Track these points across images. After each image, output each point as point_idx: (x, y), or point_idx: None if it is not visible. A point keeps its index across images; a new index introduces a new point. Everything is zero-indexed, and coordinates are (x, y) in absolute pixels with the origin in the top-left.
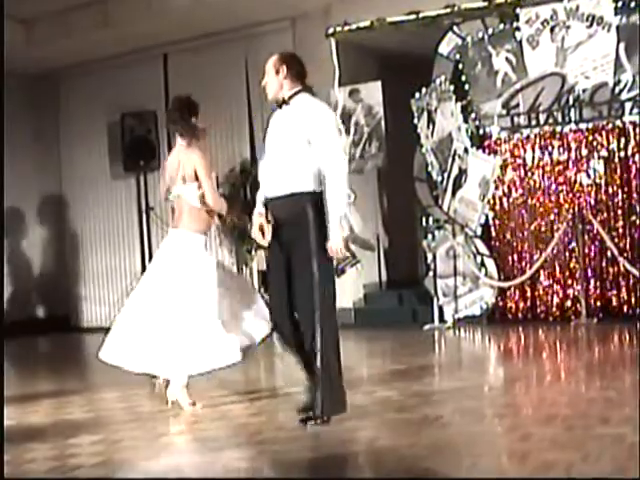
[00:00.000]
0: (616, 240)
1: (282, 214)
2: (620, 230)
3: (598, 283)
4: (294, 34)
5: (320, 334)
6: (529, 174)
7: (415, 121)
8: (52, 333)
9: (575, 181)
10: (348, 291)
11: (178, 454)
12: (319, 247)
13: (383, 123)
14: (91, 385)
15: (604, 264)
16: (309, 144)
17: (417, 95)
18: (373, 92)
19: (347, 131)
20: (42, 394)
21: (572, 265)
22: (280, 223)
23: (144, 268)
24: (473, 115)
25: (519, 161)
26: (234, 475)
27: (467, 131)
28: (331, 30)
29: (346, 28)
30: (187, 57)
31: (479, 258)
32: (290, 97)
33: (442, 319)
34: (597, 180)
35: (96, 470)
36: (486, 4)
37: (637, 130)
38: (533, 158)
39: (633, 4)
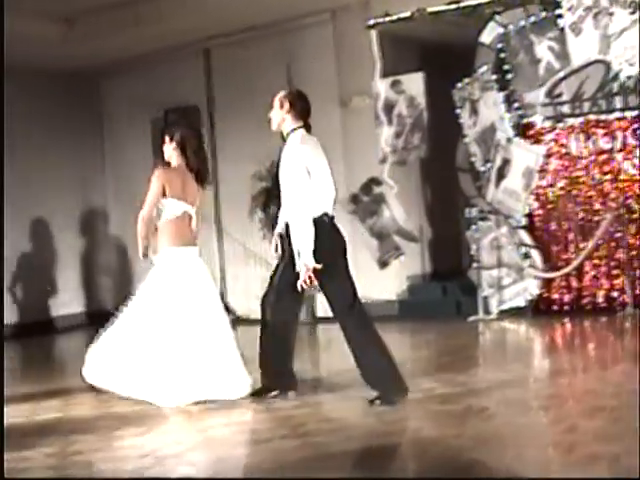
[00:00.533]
0: None
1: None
2: None
3: None
4: (335, 27)
5: None
6: (573, 163)
7: (457, 111)
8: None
9: (620, 170)
10: (391, 283)
11: (223, 446)
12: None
13: (425, 114)
14: None
15: None
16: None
17: (459, 85)
18: (415, 83)
19: (389, 122)
20: (91, 388)
21: (618, 255)
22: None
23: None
24: (516, 104)
25: (563, 150)
26: (281, 467)
27: (510, 121)
28: (372, 22)
29: (387, 19)
30: (229, 52)
31: (523, 249)
32: (288, 134)
33: (486, 311)
34: None
35: (142, 461)
36: None
37: None
38: (577, 147)
39: None
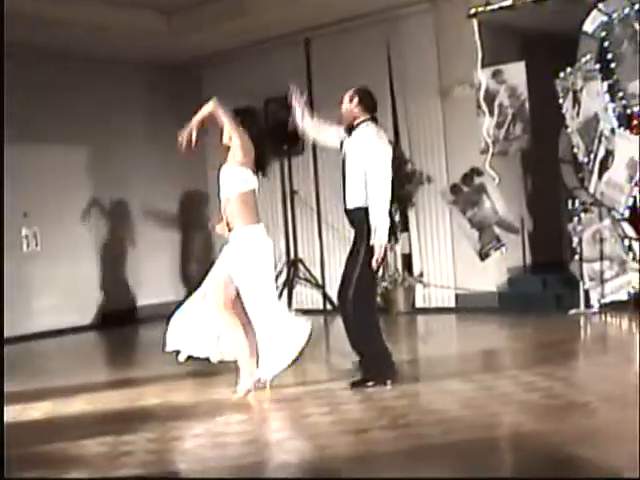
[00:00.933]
0: None
1: (352, 222)
2: None
3: None
4: (435, 16)
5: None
6: None
7: (560, 101)
8: None
9: None
10: (492, 274)
11: (322, 435)
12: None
13: (527, 104)
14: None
15: None
16: (363, 169)
17: (562, 75)
18: (517, 73)
19: (491, 113)
20: (189, 374)
21: None
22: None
23: (288, 251)
24: (620, 94)
25: None
26: (378, 458)
27: (614, 111)
28: (473, 11)
29: (488, 8)
30: (328, 42)
31: (626, 242)
32: (358, 124)
33: (588, 304)
34: None
35: (244, 448)
36: None
37: None
38: None
39: None
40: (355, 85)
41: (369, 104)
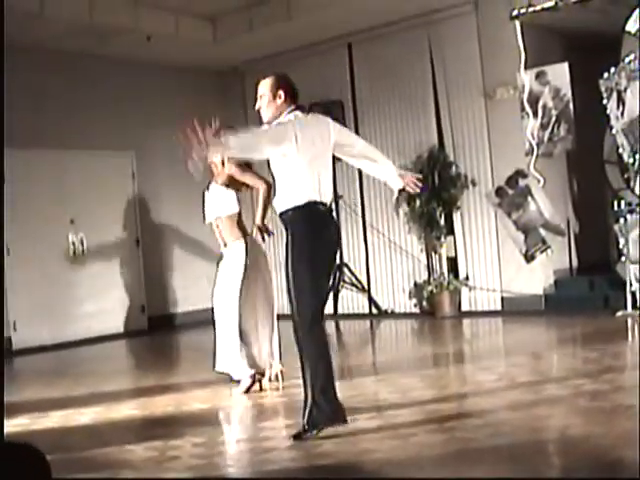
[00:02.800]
0: None
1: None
2: None
3: None
4: (477, 18)
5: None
6: None
7: (604, 102)
8: None
9: None
10: (538, 277)
11: (367, 439)
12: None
13: (571, 105)
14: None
15: None
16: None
17: (605, 75)
18: (560, 74)
19: (535, 114)
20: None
21: None
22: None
23: (335, 254)
24: None
25: None
26: (424, 461)
27: None
28: (515, 12)
29: (530, 9)
30: (371, 45)
31: None
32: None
33: (635, 306)
34: None
35: (289, 453)
36: None
37: None
38: None
39: None
40: (399, 89)
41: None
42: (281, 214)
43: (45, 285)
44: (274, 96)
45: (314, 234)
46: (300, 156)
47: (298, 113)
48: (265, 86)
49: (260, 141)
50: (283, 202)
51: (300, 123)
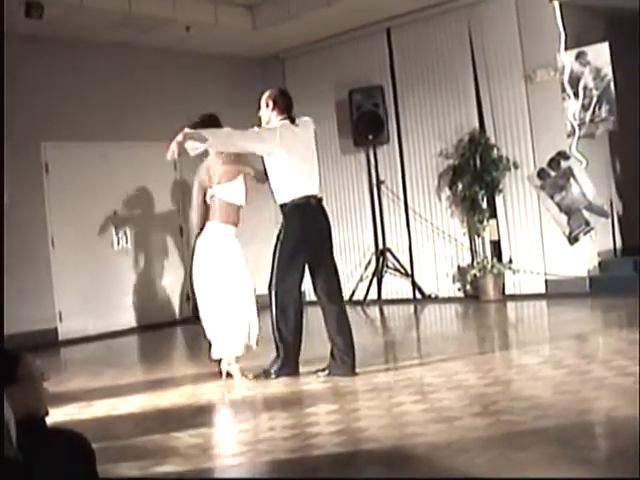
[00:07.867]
0: None
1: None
2: None
3: None
4: None
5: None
6: None
7: None
8: None
9: None
10: (582, 259)
11: (412, 423)
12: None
13: (612, 85)
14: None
15: None
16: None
17: None
18: (600, 54)
19: (576, 95)
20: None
21: None
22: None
23: (377, 241)
24: None
25: None
26: (470, 445)
27: None
28: None
29: None
30: (410, 30)
31: None
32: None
33: None
34: None
35: (333, 438)
36: None
37: None
38: None
39: None
40: (439, 73)
41: (286, 105)
42: (280, 206)
43: (90, 276)
44: (266, 105)
45: (305, 222)
46: (289, 155)
47: (286, 122)
48: (262, 97)
49: (247, 138)
50: (281, 196)
51: (287, 128)
